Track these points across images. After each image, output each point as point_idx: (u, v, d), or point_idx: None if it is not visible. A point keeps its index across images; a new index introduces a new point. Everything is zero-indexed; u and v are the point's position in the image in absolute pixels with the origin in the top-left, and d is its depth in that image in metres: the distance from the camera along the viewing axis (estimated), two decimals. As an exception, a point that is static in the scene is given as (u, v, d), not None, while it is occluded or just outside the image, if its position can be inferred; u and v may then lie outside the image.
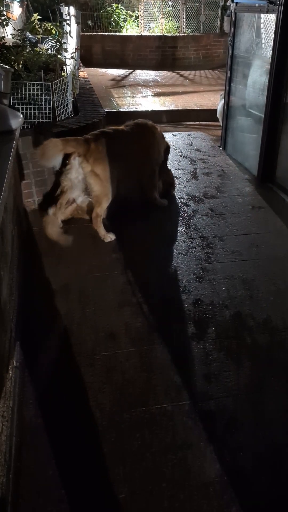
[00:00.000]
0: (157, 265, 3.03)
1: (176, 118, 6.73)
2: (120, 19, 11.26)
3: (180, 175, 4.43)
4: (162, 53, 10.65)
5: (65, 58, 4.30)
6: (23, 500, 1.63)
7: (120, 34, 11.00)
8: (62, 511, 1.60)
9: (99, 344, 2.33)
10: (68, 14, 4.45)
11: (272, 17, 3.88)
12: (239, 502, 1.64)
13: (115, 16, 11.16)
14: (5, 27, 4.02)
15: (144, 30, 11.10)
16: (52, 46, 5.48)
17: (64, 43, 4.38)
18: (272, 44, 3.87)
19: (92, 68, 9.82)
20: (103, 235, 3.28)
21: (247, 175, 4.48)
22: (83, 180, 3.24)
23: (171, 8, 11.14)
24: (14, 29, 5.64)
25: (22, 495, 1.64)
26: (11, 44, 4.22)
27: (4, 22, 3.86)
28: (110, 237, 3.28)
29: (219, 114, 5.54)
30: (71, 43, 4.49)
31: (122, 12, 11.33)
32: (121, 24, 11.26)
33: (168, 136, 5.56)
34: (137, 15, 11.30)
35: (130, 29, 11.24)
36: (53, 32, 5.55)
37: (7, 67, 3.03)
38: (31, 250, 3.14)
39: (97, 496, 1.65)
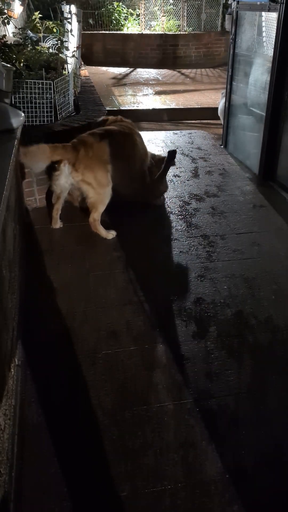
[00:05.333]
0: (158, 264, 3.04)
1: (177, 117, 6.72)
2: (121, 17, 11.24)
3: (182, 173, 4.43)
4: (163, 52, 10.62)
5: (66, 57, 4.29)
6: (25, 498, 1.63)
7: (121, 32, 10.98)
8: (64, 508, 1.61)
9: (101, 342, 2.33)
10: (69, 12, 4.44)
11: (274, 15, 3.87)
12: (241, 500, 1.64)
13: (116, 14, 11.14)
14: (7, 25, 4.01)
15: (145, 29, 11.07)
16: (53, 44, 5.47)
17: (65, 41, 4.37)
18: (273, 43, 3.86)
19: (93, 67, 9.81)
20: (105, 235, 3.27)
21: (248, 173, 4.48)
22: (75, 184, 3.20)
23: (172, 6, 11.11)
24: (16, 27, 5.64)
25: (24, 493, 1.65)
26: (12, 43, 4.22)
27: (6, 21, 3.85)
28: (112, 234, 3.28)
29: (220, 113, 5.54)
30: (72, 42, 4.47)
31: (123, 10, 11.30)
32: (122, 23, 11.23)
33: (169, 135, 5.57)
34: (138, 13, 11.27)
35: (131, 28, 11.21)
36: (54, 30, 5.53)
37: (9, 65, 3.03)
38: (33, 249, 3.14)
39: (99, 494, 1.66)
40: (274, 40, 3.85)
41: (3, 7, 3.95)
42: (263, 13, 4.25)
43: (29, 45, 4.48)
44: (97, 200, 3.21)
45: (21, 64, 3.89)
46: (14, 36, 5.36)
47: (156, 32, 10.85)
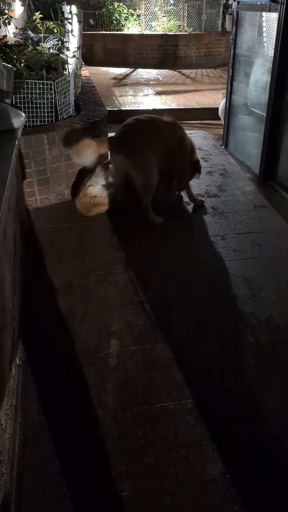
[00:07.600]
0: (159, 264, 3.04)
1: (178, 117, 6.63)
2: (122, 17, 11.25)
3: (182, 174, 4.42)
4: (163, 52, 10.63)
5: (67, 57, 4.29)
6: (26, 497, 1.64)
7: (122, 32, 10.99)
8: (65, 508, 1.61)
9: (101, 342, 2.33)
10: (70, 12, 4.44)
11: (274, 15, 3.87)
12: (242, 499, 1.64)
13: (116, 14, 11.15)
14: (7, 26, 4.01)
15: (145, 29, 11.08)
16: (54, 45, 5.49)
17: (66, 41, 4.37)
18: (274, 43, 3.87)
19: (94, 67, 9.82)
20: (153, 220, 3.45)
21: (249, 173, 4.48)
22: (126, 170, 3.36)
23: (172, 6, 11.12)
24: (16, 28, 5.65)
25: (25, 492, 1.65)
26: (13, 43, 4.23)
27: (6, 21, 3.86)
28: (160, 218, 3.48)
29: (221, 113, 5.54)
30: (73, 42, 4.47)
31: (123, 10, 11.32)
32: (123, 23, 11.25)
33: (170, 135, 5.55)
34: (138, 13, 11.29)
35: (131, 28, 11.23)
36: (55, 30, 5.54)
37: (9, 66, 3.03)
38: (34, 249, 3.15)
39: (100, 494, 1.66)
40: (274, 40, 3.85)
41: (3, 7, 3.96)
42: (264, 14, 4.25)
43: (30, 46, 4.50)
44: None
45: (22, 65, 3.90)
46: (14, 36, 5.37)
47: (156, 33, 10.86)
